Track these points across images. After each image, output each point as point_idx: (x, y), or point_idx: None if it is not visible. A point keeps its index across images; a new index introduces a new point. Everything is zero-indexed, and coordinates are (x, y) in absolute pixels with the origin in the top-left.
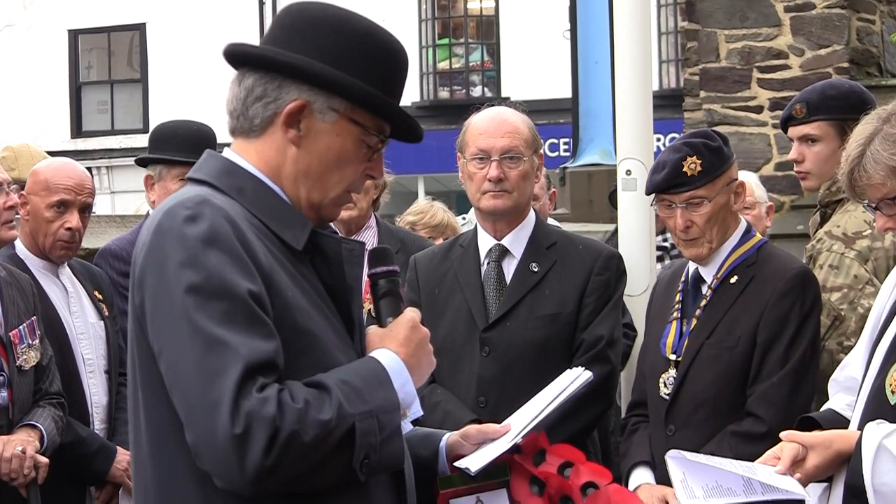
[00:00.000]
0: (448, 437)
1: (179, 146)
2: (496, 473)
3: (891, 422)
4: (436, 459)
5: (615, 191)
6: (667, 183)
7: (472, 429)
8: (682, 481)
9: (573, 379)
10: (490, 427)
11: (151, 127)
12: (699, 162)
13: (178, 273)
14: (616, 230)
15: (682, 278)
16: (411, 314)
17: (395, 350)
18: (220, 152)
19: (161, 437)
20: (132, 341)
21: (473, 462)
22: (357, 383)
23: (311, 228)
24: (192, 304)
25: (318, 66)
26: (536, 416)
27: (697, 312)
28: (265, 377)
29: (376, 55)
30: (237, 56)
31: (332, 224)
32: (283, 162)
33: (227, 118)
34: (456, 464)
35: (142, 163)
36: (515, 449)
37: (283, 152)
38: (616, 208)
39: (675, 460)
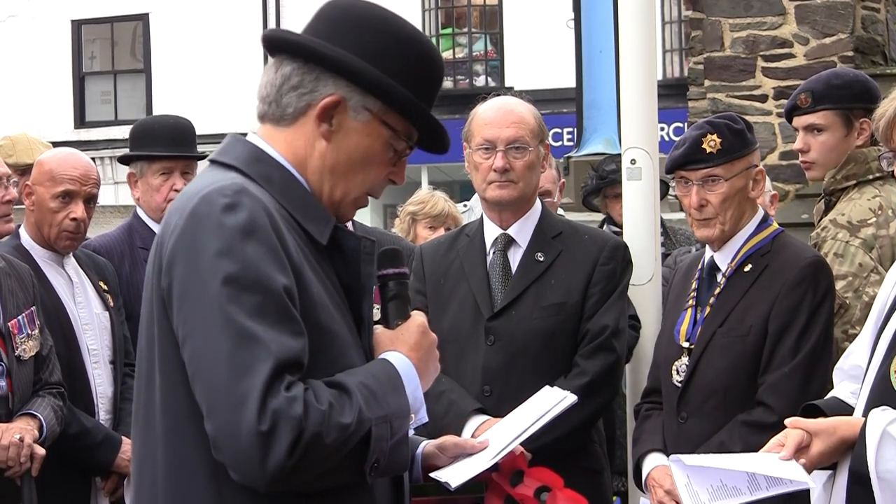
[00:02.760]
0: (425, 446)
1: (158, 141)
2: (472, 489)
3: (895, 408)
4: (410, 466)
5: (588, 194)
6: (685, 158)
7: (449, 441)
8: (686, 485)
9: (558, 401)
10: (468, 442)
11: None
12: (719, 140)
13: (213, 262)
14: (604, 221)
15: (699, 266)
16: (421, 318)
17: (407, 354)
18: (245, 135)
19: (177, 425)
20: (152, 324)
21: (453, 477)
22: (374, 387)
23: (333, 223)
24: (225, 294)
25: (360, 63)
26: (518, 437)
27: (711, 300)
28: (291, 375)
29: (417, 62)
30: (277, 42)
31: None
32: (311, 154)
33: (258, 103)
34: (434, 475)
35: (124, 161)
36: (493, 466)
37: (312, 145)
38: (590, 209)
39: (678, 465)
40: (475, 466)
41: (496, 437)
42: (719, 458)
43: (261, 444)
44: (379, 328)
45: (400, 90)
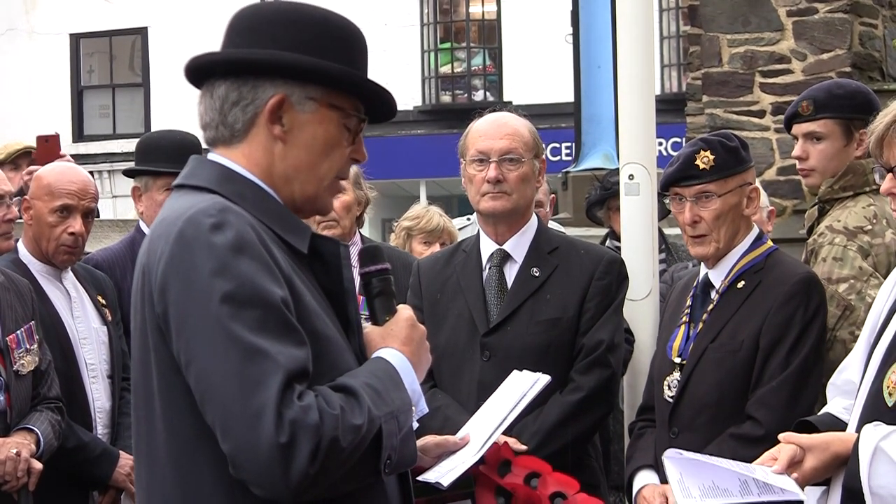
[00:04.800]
0: None
1: (164, 156)
2: (461, 485)
3: (888, 424)
4: None
5: (592, 205)
6: (678, 174)
7: (430, 442)
8: (678, 481)
9: (532, 383)
10: (449, 440)
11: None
12: (712, 157)
13: (209, 282)
14: (607, 235)
15: (694, 283)
16: (408, 312)
17: (400, 349)
18: (206, 156)
19: (186, 448)
20: (147, 353)
21: (442, 476)
22: (377, 385)
23: (310, 232)
24: (226, 313)
25: (289, 55)
26: (499, 426)
27: (704, 317)
28: (300, 385)
29: (337, 37)
30: (201, 68)
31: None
32: (272, 161)
33: (202, 133)
34: (422, 478)
35: (129, 174)
36: (480, 460)
37: (271, 151)
38: (595, 222)
39: (672, 460)
40: (462, 462)
41: (476, 430)
42: (716, 458)
43: (282, 456)
44: (368, 326)
45: (334, 66)
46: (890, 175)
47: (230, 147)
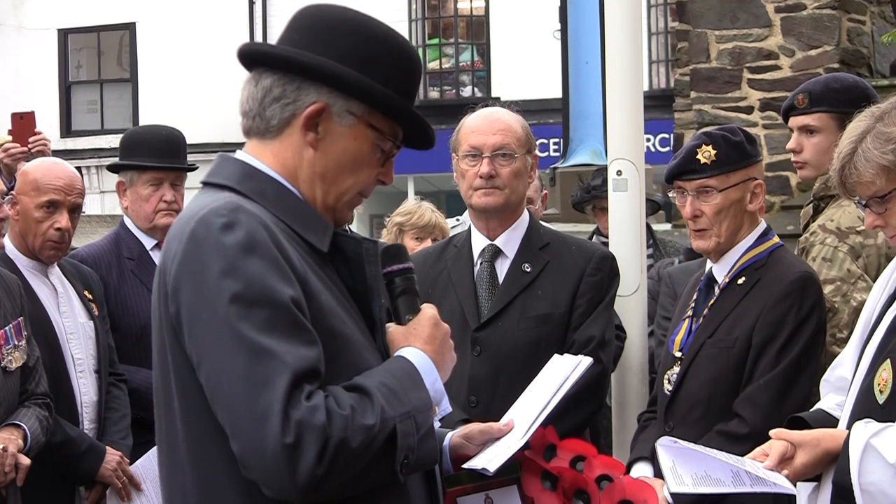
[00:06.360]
0: (451, 437)
1: (148, 151)
2: (506, 470)
3: (879, 421)
4: (440, 458)
5: (580, 202)
6: (679, 168)
7: (474, 429)
8: (671, 469)
9: (574, 366)
10: (493, 426)
11: None
12: (714, 152)
13: (218, 282)
14: (594, 231)
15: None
16: (431, 311)
17: (422, 348)
18: (233, 153)
19: (203, 447)
20: (164, 352)
21: (488, 462)
22: (394, 385)
23: (332, 230)
24: (234, 313)
25: (339, 68)
26: (544, 409)
27: (705, 311)
28: (310, 384)
29: (393, 59)
30: (254, 56)
31: None
32: (300, 164)
33: (241, 119)
34: (468, 466)
35: (114, 169)
36: (525, 445)
37: (300, 154)
38: (583, 213)
39: (666, 448)
40: (507, 448)
41: (520, 416)
42: (709, 449)
43: (288, 456)
44: (391, 325)
45: (381, 90)
46: (868, 210)
47: (262, 141)
